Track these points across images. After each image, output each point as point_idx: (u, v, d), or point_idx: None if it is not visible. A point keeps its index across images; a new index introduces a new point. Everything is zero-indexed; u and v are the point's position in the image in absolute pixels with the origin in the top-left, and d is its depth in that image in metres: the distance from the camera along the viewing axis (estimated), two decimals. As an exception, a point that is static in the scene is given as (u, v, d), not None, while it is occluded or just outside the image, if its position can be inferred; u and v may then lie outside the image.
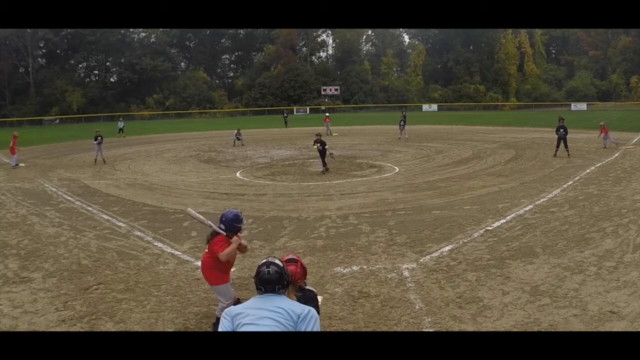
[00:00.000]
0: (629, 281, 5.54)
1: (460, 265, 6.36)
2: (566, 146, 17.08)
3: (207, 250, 4.80)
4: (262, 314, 2.83)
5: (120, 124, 37.86)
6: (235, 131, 27.55)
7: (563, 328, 4.53)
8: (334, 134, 31.29)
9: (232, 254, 4.74)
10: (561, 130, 17.12)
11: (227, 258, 4.62)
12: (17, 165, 19.19)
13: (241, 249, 4.88)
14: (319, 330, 2.91)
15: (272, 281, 2.93)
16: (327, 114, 32.46)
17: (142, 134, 37.51)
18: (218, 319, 4.28)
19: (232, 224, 4.71)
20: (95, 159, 19.98)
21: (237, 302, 4.76)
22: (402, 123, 27.64)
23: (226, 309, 2.97)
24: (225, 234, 4.69)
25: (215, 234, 4.72)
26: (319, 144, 15.35)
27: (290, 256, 3.81)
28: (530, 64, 78.37)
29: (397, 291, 5.55)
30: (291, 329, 2.80)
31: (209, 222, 4.78)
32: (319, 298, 4.01)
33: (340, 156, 19.95)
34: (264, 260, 3.05)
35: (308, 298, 3.76)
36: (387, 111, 64.02)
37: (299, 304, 2.97)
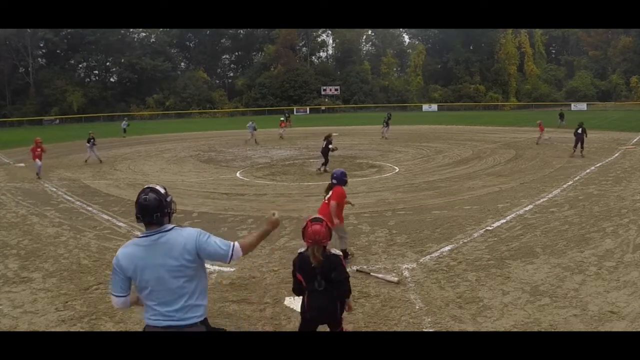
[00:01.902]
0: (629, 281, 5.54)
1: (460, 265, 6.36)
2: (582, 146, 17.47)
3: (326, 201, 6.42)
4: (157, 269, 2.76)
5: (125, 124, 37.88)
6: (250, 123, 27.95)
7: (563, 328, 4.53)
8: (334, 134, 31.27)
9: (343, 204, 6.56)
10: (579, 131, 17.53)
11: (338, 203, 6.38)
12: (38, 174, 15.74)
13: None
14: (218, 241, 2.88)
15: (149, 209, 2.79)
16: (282, 119, 32.53)
17: (142, 134, 37.52)
18: (344, 251, 6.29)
19: (341, 178, 6.51)
20: (86, 159, 20.06)
21: (344, 252, 6.25)
22: (385, 123, 27.79)
23: (114, 259, 2.89)
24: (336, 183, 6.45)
25: (331, 186, 6.46)
26: (328, 143, 15.56)
27: (317, 216, 3.80)
28: (530, 64, 78.38)
29: (397, 291, 5.55)
30: (196, 265, 2.82)
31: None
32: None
33: (340, 156, 19.93)
34: (145, 187, 2.93)
35: (333, 265, 3.66)
36: (387, 111, 64.04)
37: (189, 235, 2.84)
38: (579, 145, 17.44)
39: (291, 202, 11.09)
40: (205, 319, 2.94)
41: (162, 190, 2.92)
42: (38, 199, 12.00)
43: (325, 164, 15.76)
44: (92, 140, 20.05)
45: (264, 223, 3.02)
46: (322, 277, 3.62)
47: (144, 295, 2.88)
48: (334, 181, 6.48)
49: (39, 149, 16.18)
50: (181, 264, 2.78)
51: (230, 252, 2.87)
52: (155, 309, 2.83)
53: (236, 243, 2.90)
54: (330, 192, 6.41)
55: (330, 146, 15.63)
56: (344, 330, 3.96)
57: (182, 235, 2.83)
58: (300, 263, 3.71)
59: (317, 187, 13.00)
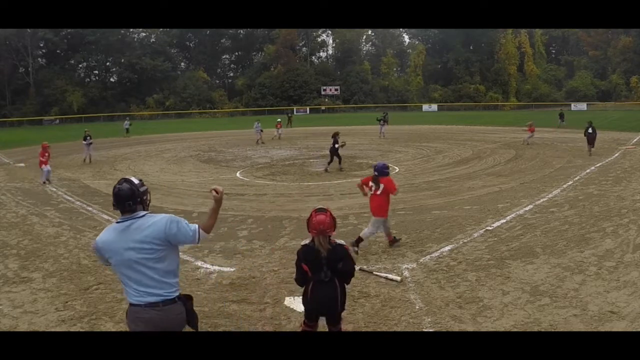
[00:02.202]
0: (629, 281, 5.54)
1: (460, 265, 6.36)
2: (593, 145, 17.81)
3: (377, 193, 6.98)
4: (123, 254, 3.05)
5: (127, 124, 37.89)
6: (256, 123, 27.95)
7: (563, 328, 4.53)
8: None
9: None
10: (590, 130, 17.80)
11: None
12: (46, 181, 14.62)
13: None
14: (186, 227, 3.14)
15: (122, 197, 3.12)
16: (279, 120, 32.93)
17: (142, 134, 37.52)
18: (360, 238, 7.01)
19: (382, 170, 7.09)
20: (84, 159, 20.19)
21: (392, 240, 7.23)
22: (382, 122, 27.84)
23: (94, 245, 3.21)
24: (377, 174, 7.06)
25: (376, 178, 7.03)
26: (335, 142, 15.77)
27: (322, 207, 3.87)
28: (530, 64, 78.37)
29: (397, 291, 5.55)
30: (165, 247, 3.08)
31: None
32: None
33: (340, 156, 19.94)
34: (120, 179, 3.28)
35: (340, 256, 3.73)
36: (383, 110, 64.00)
37: (158, 222, 3.10)
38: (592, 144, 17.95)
39: (291, 202, 11.09)
40: (180, 295, 3.21)
41: (136, 181, 3.25)
42: (38, 199, 12.00)
43: (330, 162, 15.96)
44: (88, 138, 20.11)
45: (213, 201, 3.26)
46: (329, 267, 3.71)
47: (121, 276, 3.14)
48: (376, 173, 7.09)
49: (46, 154, 14.97)
50: (151, 247, 3.05)
51: (197, 236, 3.17)
52: (134, 288, 3.10)
53: (200, 228, 3.19)
54: (381, 185, 6.98)
55: (336, 145, 15.78)
56: (341, 325, 4.02)
57: (152, 222, 3.11)
58: (306, 254, 3.78)
59: (317, 187, 13.01)
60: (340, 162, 16.11)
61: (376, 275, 6.01)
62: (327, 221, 3.70)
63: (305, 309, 3.96)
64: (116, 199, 3.16)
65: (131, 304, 3.13)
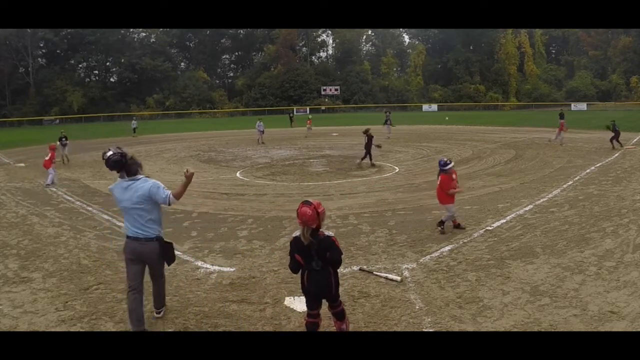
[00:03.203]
0: (629, 281, 5.54)
1: (460, 265, 6.36)
2: (617, 141, 19.22)
3: (438, 184, 7.94)
4: (125, 202, 4.55)
5: (134, 124, 37.94)
6: (258, 123, 28.22)
7: (563, 328, 4.53)
8: (334, 134, 31.34)
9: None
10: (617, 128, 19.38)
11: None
12: (52, 183, 14.18)
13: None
14: (163, 191, 4.48)
15: (111, 163, 4.51)
16: (310, 117, 34.28)
17: (142, 134, 37.54)
18: (441, 221, 7.97)
19: (440, 165, 7.85)
20: (62, 160, 19.92)
21: (457, 225, 8.04)
22: (388, 122, 28.04)
23: (110, 187, 4.79)
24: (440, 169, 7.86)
25: (439, 171, 7.91)
26: (366, 138, 16.51)
27: (310, 200, 4.09)
28: (530, 64, 78.39)
29: (397, 291, 5.55)
30: (147, 201, 4.50)
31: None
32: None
33: (340, 156, 19.96)
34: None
35: (327, 246, 4.05)
36: (385, 110, 64.16)
37: (147, 185, 4.54)
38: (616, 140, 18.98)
39: (291, 202, 11.08)
40: (159, 237, 4.62)
41: (123, 151, 4.62)
42: (38, 199, 12.00)
43: (364, 158, 16.59)
44: (63, 139, 20.31)
45: (184, 178, 4.52)
46: (319, 257, 4.07)
47: (124, 216, 4.66)
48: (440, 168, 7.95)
49: (52, 154, 14.67)
50: (140, 201, 4.49)
51: (168, 200, 4.49)
52: (128, 226, 4.60)
53: (171, 194, 4.49)
54: (439, 178, 7.91)
55: (378, 144, 16.91)
56: (342, 304, 4.42)
57: (144, 184, 4.55)
58: (297, 245, 4.13)
59: (317, 187, 13.02)
60: (364, 159, 16.65)
61: (376, 275, 6.01)
62: (309, 213, 3.95)
63: (305, 297, 4.31)
64: (106, 164, 4.55)
65: (126, 237, 4.62)
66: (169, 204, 4.52)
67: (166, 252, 4.67)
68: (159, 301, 5.07)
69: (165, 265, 4.87)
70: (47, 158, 14.59)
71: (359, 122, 44.23)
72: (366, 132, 16.73)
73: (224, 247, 7.50)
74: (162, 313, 5.08)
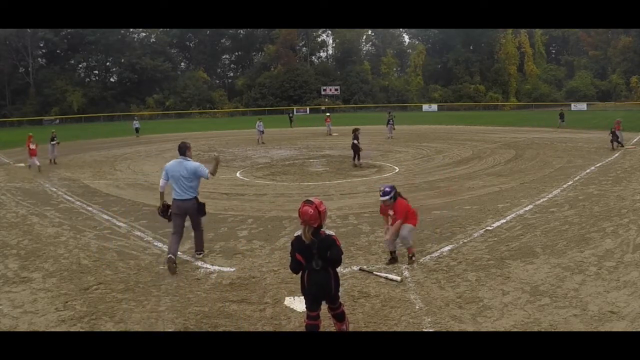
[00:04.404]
0: (629, 281, 5.54)
1: (460, 265, 6.35)
2: (616, 142, 19.26)
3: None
4: (178, 173, 6.59)
5: (136, 124, 37.86)
6: (258, 123, 28.32)
7: (563, 328, 4.52)
8: (334, 134, 31.33)
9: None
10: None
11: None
12: (30, 166, 17.95)
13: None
14: (204, 169, 6.72)
15: (180, 150, 6.80)
16: (328, 114, 34.18)
17: (142, 133, 37.54)
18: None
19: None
20: (50, 160, 19.99)
21: (411, 255, 6.55)
22: (390, 122, 28.05)
23: (167, 164, 6.85)
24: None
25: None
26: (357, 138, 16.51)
27: (312, 199, 4.09)
28: (530, 64, 78.41)
29: (397, 291, 5.55)
30: (193, 175, 6.62)
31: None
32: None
33: (340, 156, 19.96)
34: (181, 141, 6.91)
35: (328, 245, 4.04)
36: (387, 111, 64.24)
37: (194, 165, 6.66)
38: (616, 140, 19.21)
39: (291, 202, 11.08)
40: (196, 198, 6.76)
41: (188, 143, 6.88)
42: (38, 199, 12.00)
43: (355, 157, 16.61)
44: (54, 139, 20.35)
45: (214, 161, 7.03)
46: (319, 257, 4.04)
47: (173, 184, 6.64)
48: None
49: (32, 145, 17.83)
50: (188, 174, 6.58)
51: (207, 176, 6.73)
52: (176, 190, 6.61)
53: (208, 172, 6.72)
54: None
55: (355, 141, 16.50)
56: (342, 306, 4.39)
57: (192, 164, 6.66)
58: (298, 245, 4.11)
59: (317, 187, 13.02)
60: (355, 159, 16.62)
61: (376, 275, 6.01)
62: (311, 213, 3.95)
63: (305, 297, 4.28)
64: (179, 149, 6.82)
65: (174, 199, 6.63)
66: (207, 179, 6.84)
67: (200, 208, 6.78)
68: (200, 246, 7.08)
69: (202, 221, 6.98)
70: (32, 147, 17.89)
71: (359, 122, 44.21)
72: (354, 131, 16.88)
73: (224, 247, 7.51)
74: (202, 255, 7.03)
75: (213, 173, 6.80)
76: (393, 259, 6.48)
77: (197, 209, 6.71)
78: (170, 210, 6.66)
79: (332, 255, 4.05)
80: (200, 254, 6.98)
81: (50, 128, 29.31)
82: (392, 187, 6.30)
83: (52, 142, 20.24)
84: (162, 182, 6.80)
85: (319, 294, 4.19)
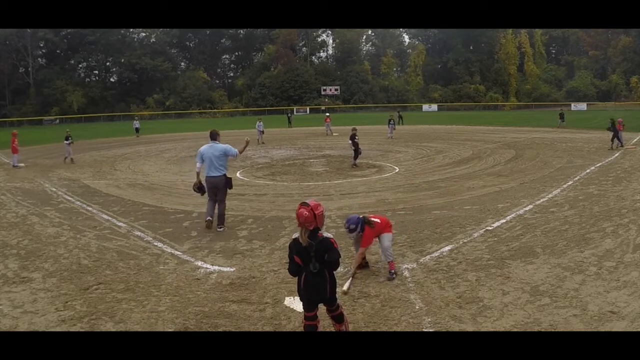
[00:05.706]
0: (629, 281, 5.54)
1: (460, 265, 6.35)
2: (617, 140, 19.26)
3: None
4: (210, 154, 8.28)
5: (136, 124, 37.85)
6: (258, 123, 28.54)
7: (563, 328, 4.52)
8: (334, 134, 31.33)
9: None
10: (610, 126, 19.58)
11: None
12: (17, 165, 18.92)
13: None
14: (233, 149, 8.39)
15: (212, 136, 8.52)
16: (327, 114, 34.19)
17: (142, 133, 37.54)
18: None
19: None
20: (65, 159, 20.41)
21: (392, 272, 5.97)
22: (392, 122, 28.02)
23: (200, 148, 8.61)
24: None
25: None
26: (351, 140, 16.51)
27: (308, 201, 4.07)
28: (530, 64, 78.43)
29: (397, 291, 5.55)
30: (223, 154, 8.30)
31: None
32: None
33: (340, 156, 19.96)
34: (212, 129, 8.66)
35: (324, 248, 4.01)
36: (387, 111, 64.02)
37: (223, 146, 8.36)
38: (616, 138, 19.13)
39: (291, 202, 11.08)
40: (225, 174, 8.34)
41: (219, 133, 8.60)
42: (38, 199, 12.00)
43: (355, 157, 16.61)
44: (69, 139, 20.52)
45: (243, 143, 8.67)
46: (317, 259, 4.04)
47: (206, 164, 8.33)
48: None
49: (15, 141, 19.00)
50: (219, 155, 8.24)
51: (236, 155, 8.37)
52: (210, 169, 8.23)
53: (237, 151, 8.40)
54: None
55: (355, 139, 16.45)
56: (341, 307, 4.39)
57: (222, 145, 8.34)
58: (296, 247, 4.09)
59: (317, 187, 13.01)
60: (356, 158, 16.63)
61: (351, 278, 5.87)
62: (306, 215, 3.94)
63: (301, 300, 4.28)
64: (210, 136, 8.49)
65: (207, 176, 8.28)
66: (235, 157, 8.44)
67: (228, 182, 8.36)
68: (221, 220, 8.36)
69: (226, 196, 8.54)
70: (15, 144, 19.08)
71: (359, 122, 44.22)
72: (353, 130, 16.97)
73: (224, 247, 7.50)
74: (222, 229, 8.28)
75: (240, 152, 8.48)
76: (364, 265, 6.29)
77: (225, 183, 8.29)
78: (202, 187, 8.37)
79: (329, 258, 4.03)
80: (221, 227, 8.28)
81: (50, 128, 29.31)
82: (357, 220, 5.94)
83: (66, 142, 20.48)
84: (198, 164, 8.39)
85: (314, 297, 4.18)
